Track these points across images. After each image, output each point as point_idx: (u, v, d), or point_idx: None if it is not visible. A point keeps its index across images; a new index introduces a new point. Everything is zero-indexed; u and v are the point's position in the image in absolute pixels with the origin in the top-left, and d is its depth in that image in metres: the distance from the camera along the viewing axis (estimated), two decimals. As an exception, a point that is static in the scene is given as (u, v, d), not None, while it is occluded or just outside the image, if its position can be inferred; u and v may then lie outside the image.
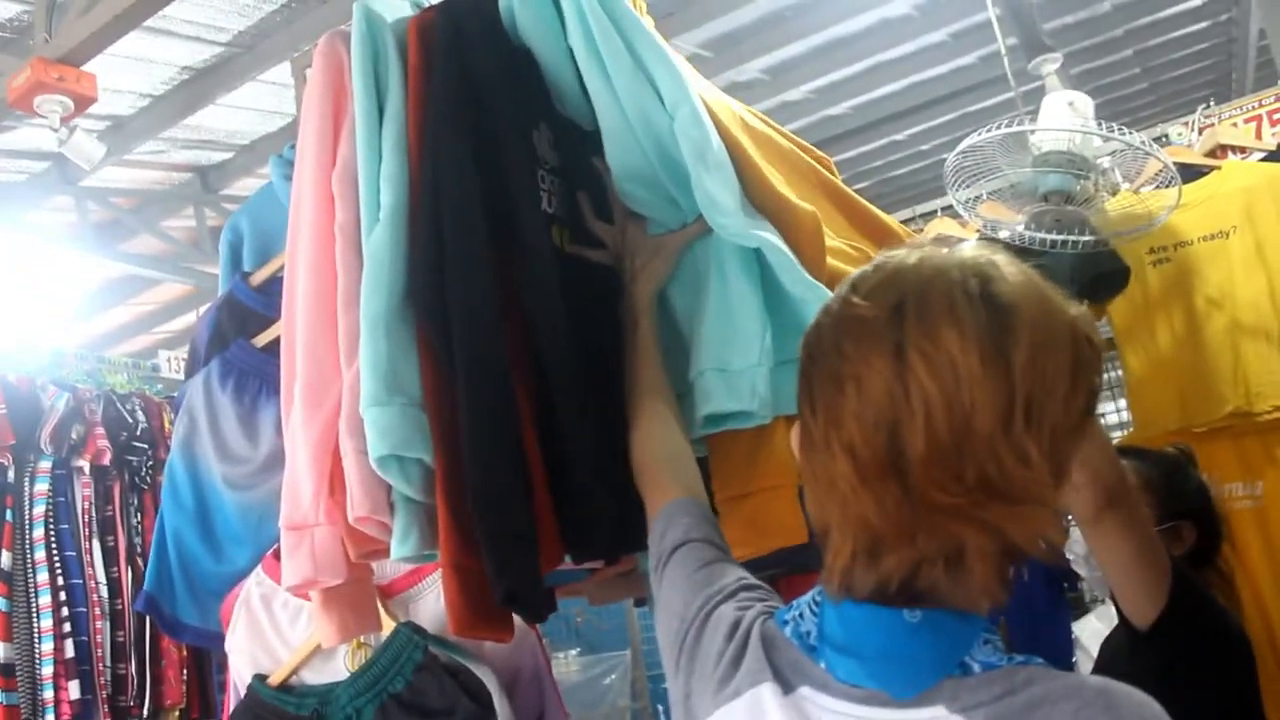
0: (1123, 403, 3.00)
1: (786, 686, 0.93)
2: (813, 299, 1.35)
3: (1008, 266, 0.90)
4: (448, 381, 1.31)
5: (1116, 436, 3.04)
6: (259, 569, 1.95)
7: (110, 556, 3.22)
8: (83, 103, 3.22)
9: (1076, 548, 2.19)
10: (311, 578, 1.40)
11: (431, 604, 1.81)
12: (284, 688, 1.86)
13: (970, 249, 0.93)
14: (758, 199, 1.45)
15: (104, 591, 3.16)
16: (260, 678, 1.87)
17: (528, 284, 1.39)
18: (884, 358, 0.85)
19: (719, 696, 0.97)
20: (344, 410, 1.34)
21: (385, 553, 1.35)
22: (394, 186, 1.39)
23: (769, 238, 1.37)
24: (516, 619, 1.44)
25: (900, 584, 0.88)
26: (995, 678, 0.86)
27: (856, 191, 1.83)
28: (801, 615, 0.97)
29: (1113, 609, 1.99)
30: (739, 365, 1.37)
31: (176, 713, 3.27)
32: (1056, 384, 0.86)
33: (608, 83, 1.41)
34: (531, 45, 1.49)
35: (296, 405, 1.42)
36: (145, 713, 3.17)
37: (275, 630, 1.92)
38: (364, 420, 1.29)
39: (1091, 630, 3.33)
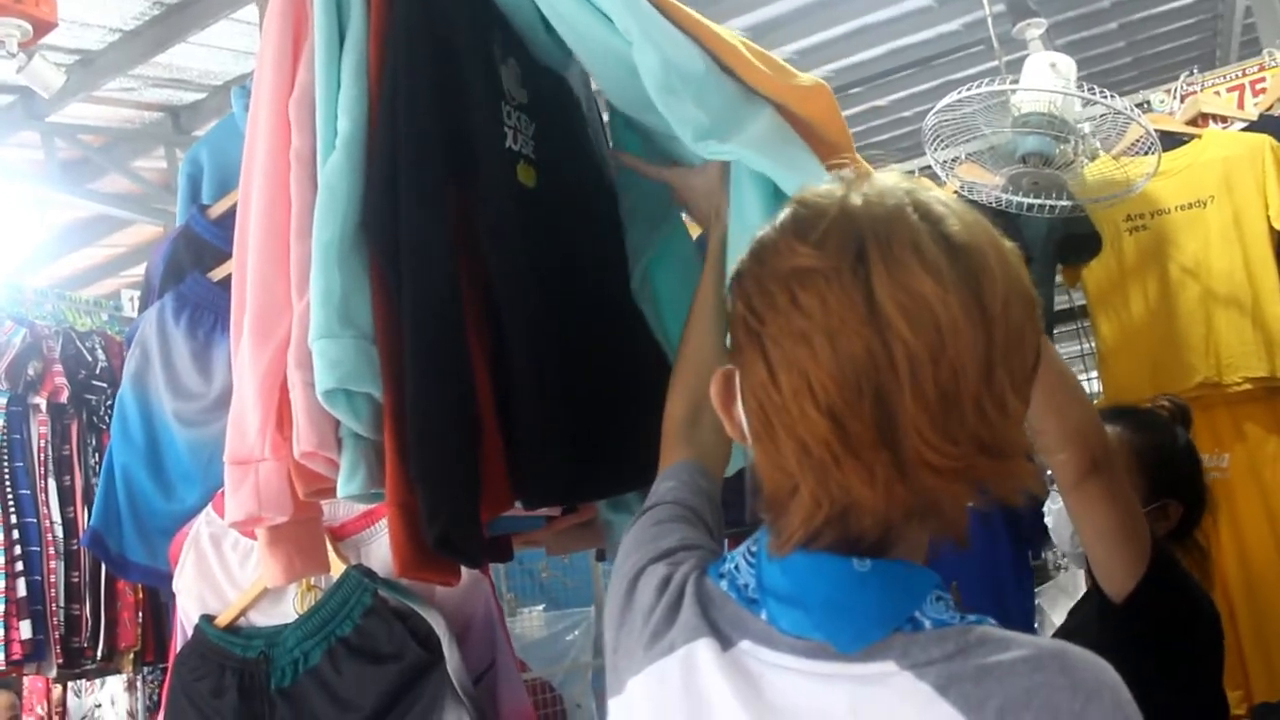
0: (1094, 372, 2.99)
1: (725, 642, 0.89)
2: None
3: (954, 204, 0.85)
4: (399, 315, 1.28)
5: (1085, 406, 3.02)
6: (209, 508, 1.91)
7: (66, 496, 3.17)
8: (42, 27, 3.12)
9: (1062, 532, 2.12)
10: (255, 514, 1.36)
11: (384, 547, 1.77)
12: (231, 629, 1.82)
13: (897, 181, 0.88)
14: (761, 88, 1.38)
15: (59, 531, 3.11)
16: (207, 618, 1.83)
17: (484, 221, 1.36)
18: (857, 312, 0.79)
19: (650, 652, 0.92)
20: (293, 342, 1.30)
21: (333, 491, 1.32)
22: (352, 114, 1.35)
23: (743, 152, 1.30)
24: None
25: (872, 542, 0.84)
26: (948, 635, 0.83)
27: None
28: (738, 568, 0.93)
29: (1076, 577, 1.99)
30: None
31: (131, 655, 3.24)
32: (1025, 326, 0.83)
33: (564, 20, 1.37)
34: None
35: (245, 336, 1.38)
36: (99, 654, 3.13)
37: (224, 571, 1.88)
38: (312, 352, 1.25)
39: (1053, 597, 3.35)
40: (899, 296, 0.79)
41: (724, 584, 0.93)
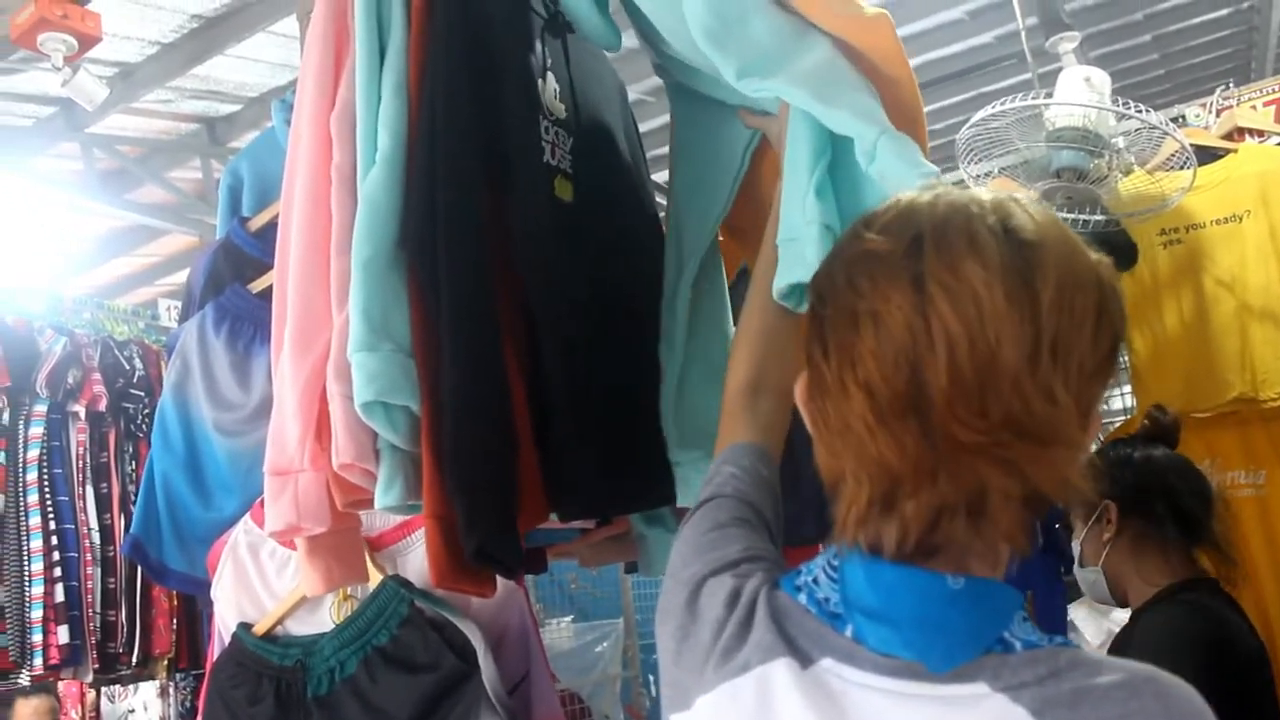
0: (1128, 387, 2.97)
1: (805, 660, 0.87)
2: (868, 134, 1.17)
3: (1030, 205, 0.87)
4: (437, 329, 1.29)
5: (1120, 420, 3.01)
6: (247, 517, 1.93)
7: (103, 503, 3.21)
8: (87, 42, 3.17)
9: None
10: (294, 524, 1.38)
11: (420, 558, 1.78)
12: (268, 637, 1.84)
13: (987, 190, 0.89)
14: (818, 20, 1.32)
15: (96, 538, 3.15)
16: (245, 626, 1.85)
17: (520, 234, 1.37)
18: (903, 292, 0.81)
19: (723, 670, 0.90)
20: (332, 355, 1.32)
21: (371, 502, 1.33)
22: (392, 130, 1.37)
23: (785, 88, 1.24)
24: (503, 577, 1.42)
25: (919, 536, 0.82)
26: (1039, 657, 0.82)
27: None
28: (816, 581, 0.91)
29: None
30: (786, 234, 1.23)
31: (165, 661, 3.27)
32: (1084, 322, 0.82)
33: None
34: None
35: (286, 348, 1.39)
36: (134, 660, 3.16)
37: (262, 579, 1.90)
38: (351, 365, 1.26)
39: (1084, 614, 3.33)
40: (943, 276, 0.81)
41: (802, 597, 0.91)
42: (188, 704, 3.73)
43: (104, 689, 4.20)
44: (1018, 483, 0.81)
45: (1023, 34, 3.97)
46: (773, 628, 0.89)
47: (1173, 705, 0.79)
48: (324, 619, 1.83)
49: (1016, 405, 0.79)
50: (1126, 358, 2.87)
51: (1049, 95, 2.59)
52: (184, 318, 2.24)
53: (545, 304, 1.37)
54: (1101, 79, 2.57)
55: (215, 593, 1.94)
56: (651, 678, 5.86)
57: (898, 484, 0.82)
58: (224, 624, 1.92)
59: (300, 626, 1.85)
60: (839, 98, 1.22)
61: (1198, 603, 1.94)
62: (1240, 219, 2.68)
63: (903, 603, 0.84)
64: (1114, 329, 0.86)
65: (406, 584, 1.73)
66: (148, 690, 4.29)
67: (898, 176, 1.13)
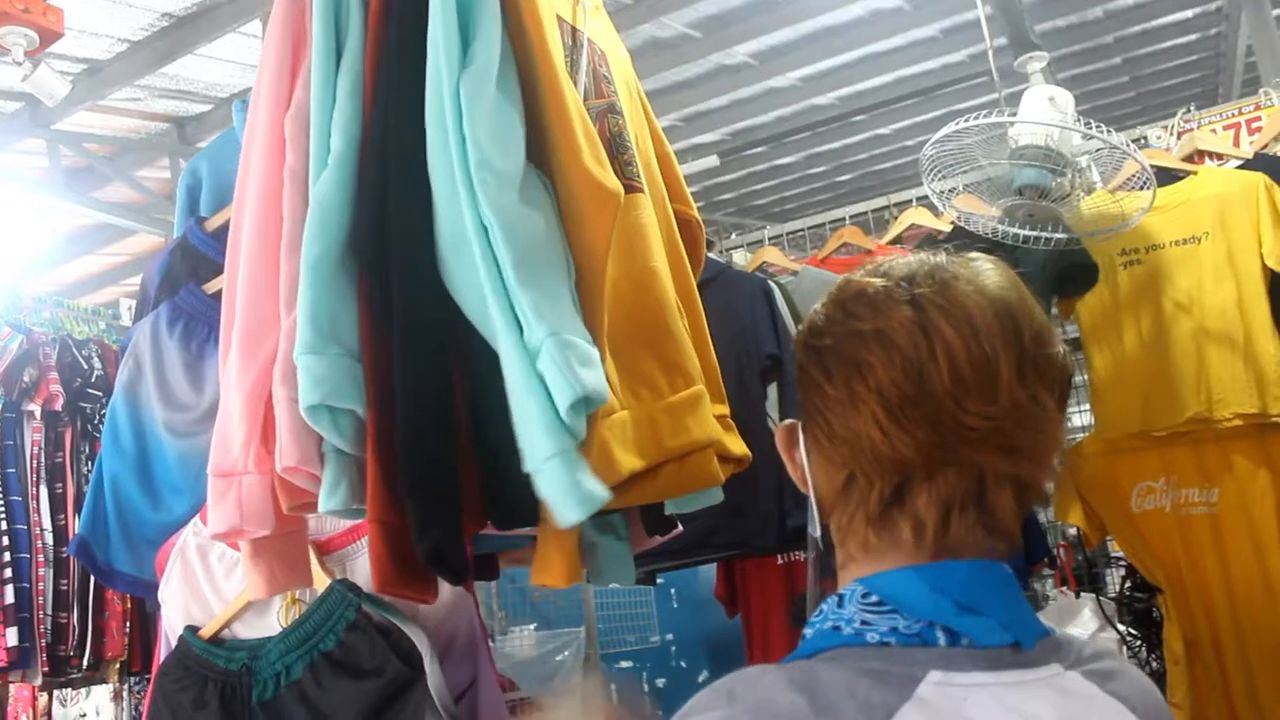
0: (1086, 405, 2.99)
1: (912, 682, 0.83)
2: (538, 330, 1.20)
3: (995, 262, 0.98)
4: (386, 333, 1.28)
5: (1078, 438, 3.03)
6: (196, 519, 1.91)
7: (58, 503, 3.16)
8: (48, 37, 3.15)
9: None
10: (237, 526, 1.37)
11: (368, 563, 1.77)
12: (215, 641, 1.82)
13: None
14: (560, 166, 1.35)
15: (49, 539, 3.10)
16: (192, 629, 1.83)
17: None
18: (903, 311, 0.91)
19: None
20: (279, 357, 1.31)
21: (316, 505, 1.32)
22: (345, 132, 1.36)
23: (493, 209, 1.25)
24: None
25: (934, 535, 0.89)
26: (1071, 641, 0.94)
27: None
28: (865, 623, 0.88)
29: (1076, 603, 2.03)
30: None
31: (117, 665, 3.23)
32: (1054, 355, 0.93)
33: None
34: None
35: (233, 350, 1.39)
36: (85, 663, 3.12)
37: (210, 582, 1.88)
38: (297, 368, 1.25)
39: (1056, 619, 3.35)
40: (938, 300, 0.91)
41: (871, 636, 0.87)
42: (141, 708, 3.69)
43: (56, 693, 4.15)
44: (1013, 466, 0.90)
45: (990, 54, 3.99)
46: (861, 681, 0.83)
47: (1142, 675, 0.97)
48: (272, 622, 1.81)
49: (1010, 403, 0.89)
50: (1086, 375, 2.89)
51: (1014, 114, 2.60)
52: (138, 317, 2.23)
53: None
54: (1065, 98, 2.59)
55: (163, 595, 1.92)
56: (614, 687, 5.86)
57: (909, 476, 0.90)
58: (171, 627, 1.90)
59: (248, 630, 1.83)
60: (533, 277, 1.24)
61: None
62: (1199, 240, 2.70)
63: (985, 590, 0.90)
64: (1069, 371, 0.97)
65: (354, 588, 1.72)
66: (101, 694, 4.24)
67: (554, 377, 1.17)
